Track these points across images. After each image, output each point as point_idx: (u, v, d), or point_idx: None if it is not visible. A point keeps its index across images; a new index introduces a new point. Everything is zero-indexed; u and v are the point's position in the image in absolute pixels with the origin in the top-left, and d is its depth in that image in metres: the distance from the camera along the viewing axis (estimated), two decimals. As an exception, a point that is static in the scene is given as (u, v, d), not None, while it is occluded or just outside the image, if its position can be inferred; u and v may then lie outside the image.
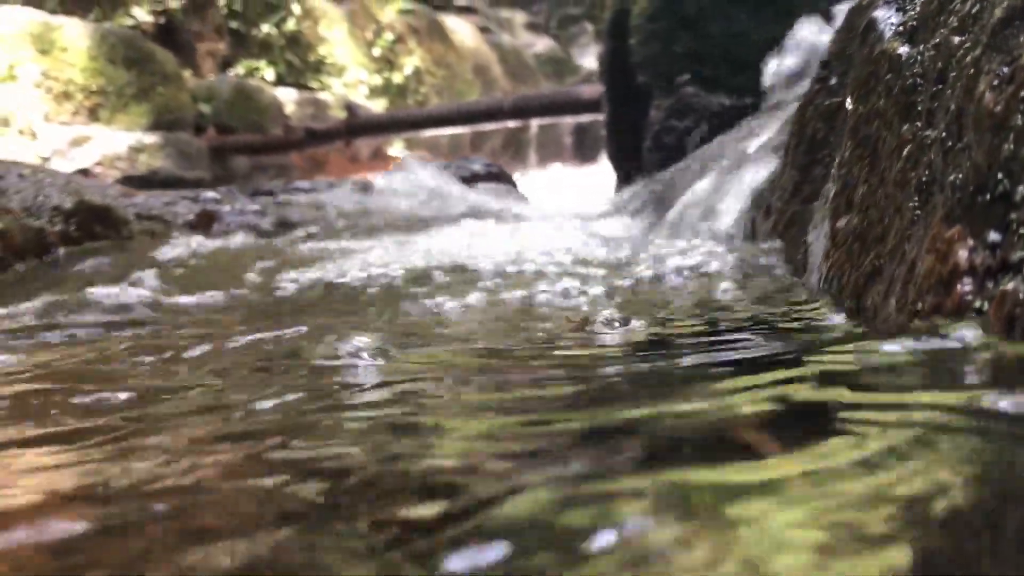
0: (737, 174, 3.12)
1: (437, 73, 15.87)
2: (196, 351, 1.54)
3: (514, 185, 5.81)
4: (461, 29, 16.69)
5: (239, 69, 13.28)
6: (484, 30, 17.37)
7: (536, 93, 12.83)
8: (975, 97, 1.04)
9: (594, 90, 8.28)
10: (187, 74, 11.92)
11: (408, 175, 4.98)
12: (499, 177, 5.58)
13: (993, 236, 0.94)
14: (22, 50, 10.15)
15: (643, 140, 5.18)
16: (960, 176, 1.03)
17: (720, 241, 2.65)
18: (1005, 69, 1.00)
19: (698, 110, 4.86)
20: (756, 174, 2.96)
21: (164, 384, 1.35)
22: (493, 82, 16.63)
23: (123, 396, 1.23)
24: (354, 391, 1.22)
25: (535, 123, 13.02)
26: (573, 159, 14.96)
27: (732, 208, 2.85)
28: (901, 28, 1.43)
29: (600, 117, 7.13)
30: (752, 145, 3.29)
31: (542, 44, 18.59)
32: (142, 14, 12.10)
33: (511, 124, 11.81)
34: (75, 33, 10.61)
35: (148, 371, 1.45)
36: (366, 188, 4.75)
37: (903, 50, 1.37)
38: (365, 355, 1.33)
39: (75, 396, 1.26)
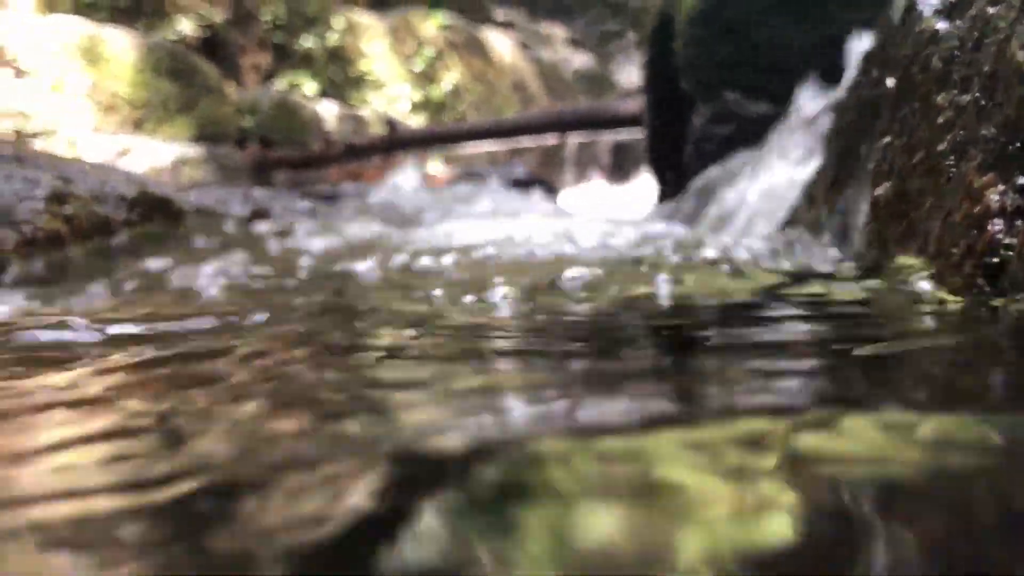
0: (777, 172, 3.20)
1: (476, 88, 15.99)
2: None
3: (554, 192, 5.90)
4: (500, 44, 16.81)
5: (282, 82, 13.46)
6: (523, 45, 17.49)
7: (574, 107, 12.91)
8: (1008, 57, 1.12)
9: (633, 105, 8.35)
10: (230, 86, 12.10)
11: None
12: (539, 183, 5.67)
13: (1022, 180, 1.02)
14: (71, 61, 10.36)
15: (684, 147, 5.24)
16: (992, 130, 1.11)
17: (765, 233, 2.73)
18: (1035, 29, 1.08)
19: (740, 117, 4.93)
20: (794, 172, 3.03)
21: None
22: (531, 98, 16.74)
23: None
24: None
25: (572, 141, 13.08)
26: (610, 177, 14.99)
27: (773, 200, 2.93)
28: (940, 6, 1.51)
29: (638, 135, 7.20)
30: (789, 146, 3.37)
31: (581, 60, 18.69)
32: (187, 26, 12.31)
33: (549, 141, 11.88)
34: (121, 45, 10.81)
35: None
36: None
37: (941, 25, 1.45)
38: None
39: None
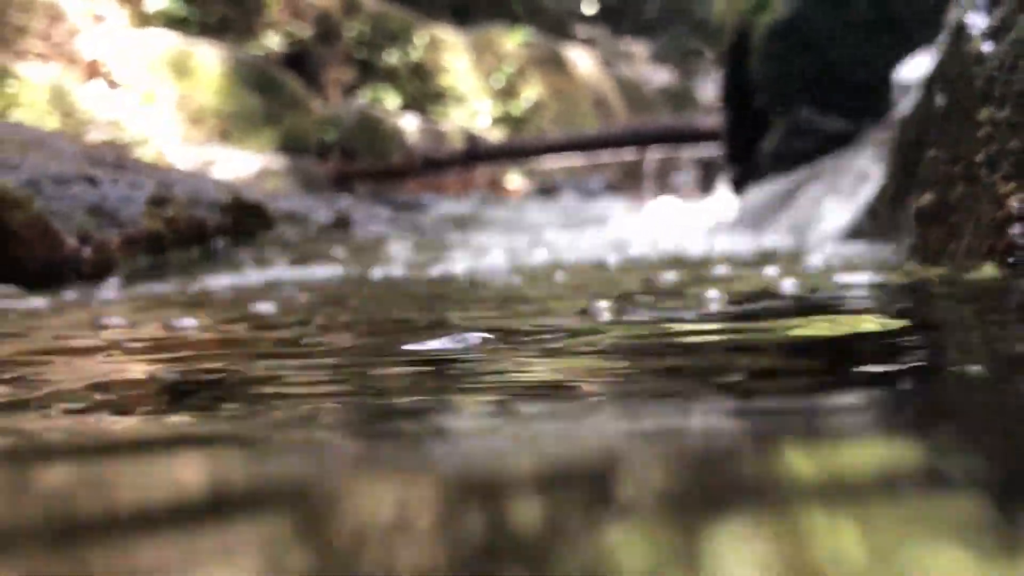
0: (843, 187, 3.28)
1: (556, 104, 16.11)
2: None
3: (631, 201, 6.00)
4: (581, 61, 16.94)
5: (364, 96, 13.71)
6: (604, 62, 17.60)
7: (653, 122, 12.97)
8: (1035, 76, 1.22)
9: (711, 120, 8.41)
10: (314, 100, 12.37)
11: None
12: (615, 193, 5.78)
13: (1041, 188, 1.12)
14: (161, 74, 10.72)
15: (761, 161, 5.32)
16: (1018, 143, 1.21)
17: (834, 240, 2.82)
18: (1059, 50, 1.18)
19: (814, 132, 4.99)
20: (859, 186, 3.12)
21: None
22: (612, 113, 16.82)
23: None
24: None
25: (651, 156, 13.12)
26: (690, 192, 14.96)
27: (841, 214, 3.02)
28: (987, 29, 1.60)
29: (717, 151, 7.27)
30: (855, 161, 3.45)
31: (662, 77, 18.76)
32: (274, 42, 12.61)
33: (627, 156, 11.94)
34: (209, 59, 11.14)
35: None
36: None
37: (987, 47, 1.55)
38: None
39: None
